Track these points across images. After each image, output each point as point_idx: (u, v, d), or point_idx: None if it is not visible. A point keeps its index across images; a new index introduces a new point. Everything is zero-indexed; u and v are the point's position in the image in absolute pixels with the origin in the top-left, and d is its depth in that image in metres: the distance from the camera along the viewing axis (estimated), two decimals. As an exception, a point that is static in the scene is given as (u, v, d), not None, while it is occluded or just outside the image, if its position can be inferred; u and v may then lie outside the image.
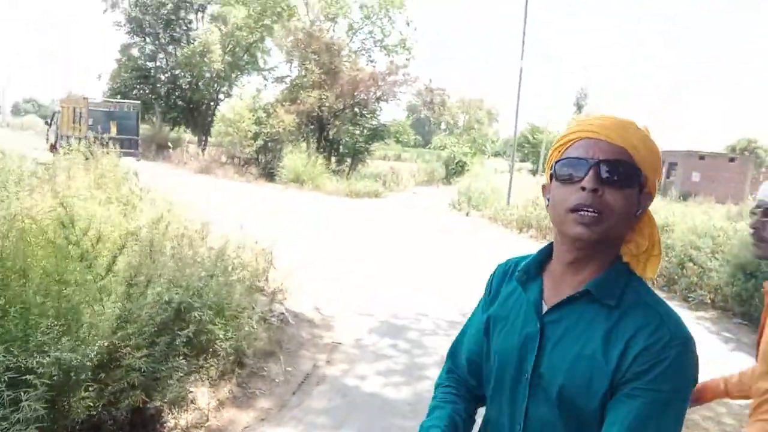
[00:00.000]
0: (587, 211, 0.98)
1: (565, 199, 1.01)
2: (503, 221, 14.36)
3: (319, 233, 10.62)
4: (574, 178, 1.01)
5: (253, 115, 22.37)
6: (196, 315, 3.64)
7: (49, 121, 20.81)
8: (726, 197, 28.36)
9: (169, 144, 25.52)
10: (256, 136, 22.26)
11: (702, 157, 34.38)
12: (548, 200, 1.09)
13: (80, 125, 17.85)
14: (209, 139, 28.94)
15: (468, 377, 1.23)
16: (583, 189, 0.99)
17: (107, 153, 8.55)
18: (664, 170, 35.78)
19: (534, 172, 42.98)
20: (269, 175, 21.51)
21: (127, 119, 18.79)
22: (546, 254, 1.14)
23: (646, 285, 1.06)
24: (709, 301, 6.99)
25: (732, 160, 35.17)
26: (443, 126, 63.63)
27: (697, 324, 6.48)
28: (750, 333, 6.20)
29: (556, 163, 1.06)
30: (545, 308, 1.08)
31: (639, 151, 1.01)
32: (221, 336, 3.85)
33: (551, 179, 1.08)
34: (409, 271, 8.13)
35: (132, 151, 18.28)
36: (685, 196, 28.92)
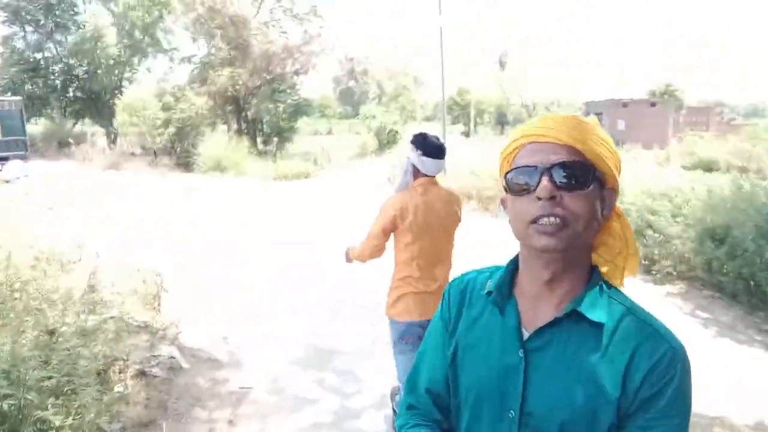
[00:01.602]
0: (548, 218, 0.88)
1: (524, 211, 0.92)
2: (440, 192, 13.52)
3: (234, 232, 9.33)
4: (529, 188, 0.91)
5: (160, 101, 20.35)
6: (6, 406, 2.45)
7: None
8: (652, 143, 28.89)
9: (70, 140, 23.07)
10: (166, 124, 20.31)
11: (625, 105, 34.96)
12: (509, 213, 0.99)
13: (-42, 133, 15.48)
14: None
15: (432, 410, 1.06)
16: (540, 199, 0.89)
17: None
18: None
19: (466, 134, 42.50)
20: (186, 164, 19.74)
21: (10, 119, 16.43)
22: (514, 269, 1.02)
23: (624, 294, 0.97)
24: (674, 273, 6.21)
25: (653, 105, 35.96)
26: (371, 95, 62.23)
27: (668, 302, 5.72)
28: (726, 309, 5.51)
29: (506, 174, 0.96)
30: (525, 334, 0.95)
31: (589, 146, 0.91)
32: (57, 424, 2.66)
33: (506, 191, 0.98)
34: (340, 272, 7.04)
35: (20, 153, 16.10)
36: (613, 145, 29.22)
